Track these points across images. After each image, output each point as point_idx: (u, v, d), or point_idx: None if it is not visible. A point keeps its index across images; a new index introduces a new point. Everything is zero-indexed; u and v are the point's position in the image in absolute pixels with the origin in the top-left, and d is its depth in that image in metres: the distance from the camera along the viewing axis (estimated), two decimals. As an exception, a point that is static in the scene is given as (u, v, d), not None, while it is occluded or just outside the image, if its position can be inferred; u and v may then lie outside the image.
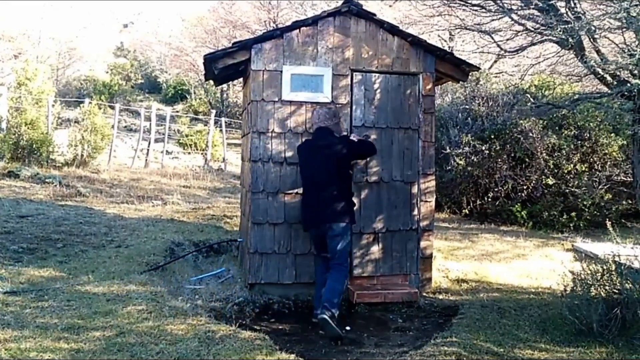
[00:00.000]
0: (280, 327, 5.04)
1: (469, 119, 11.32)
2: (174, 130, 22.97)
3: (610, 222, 5.55)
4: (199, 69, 24.57)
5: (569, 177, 10.15)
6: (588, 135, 10.44)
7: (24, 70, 15.95)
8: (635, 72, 6.40)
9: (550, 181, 10.08)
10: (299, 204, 5.59)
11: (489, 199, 10.63)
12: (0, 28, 25.96)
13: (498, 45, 8.60)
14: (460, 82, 6.85)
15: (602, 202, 9.94)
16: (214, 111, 22.74)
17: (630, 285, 4.67)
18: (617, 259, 4.91)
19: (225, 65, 5.81)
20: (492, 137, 10.61)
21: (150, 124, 19.47)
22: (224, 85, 26.07)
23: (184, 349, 4.19)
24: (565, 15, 6.83)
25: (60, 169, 14.17)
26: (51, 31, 28.94)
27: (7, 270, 5.96)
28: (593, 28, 6.45)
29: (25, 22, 27.60)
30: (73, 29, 30.66)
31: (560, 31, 6.57)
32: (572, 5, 6.71)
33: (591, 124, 10.43)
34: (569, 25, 6.40)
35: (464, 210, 10.93)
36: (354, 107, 5.92)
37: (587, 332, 4.64)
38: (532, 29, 7.48)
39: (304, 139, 5.70)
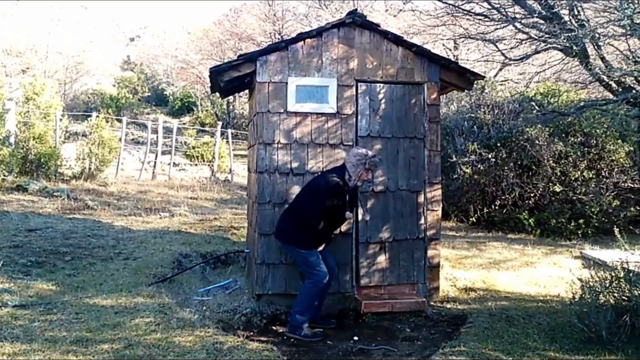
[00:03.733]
0: (286, 336, 5.04)
1: (475, 127, 11.32)
2: (181, 142, 23.07)
3: (618, 229, 5.55)
4: (205, 81, 24.70)
5: (576, 184, 10.12)
6: (595, 142, 10.41)
7: (32, 84, 16.06)
8: (640, 78, 6.41)
9: (558, 188, 10.05)
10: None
11: (496, 207, 10.60)
12: (8, 43, 26.19)
13: (502, 54, 8.61)
14: (466, 90, 6.86)
15: (609, 209, 9.90)
16: (220, 123, 22.85)
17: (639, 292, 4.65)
18: (625, 265, 4.90)
19: (231, 77, 5.85)
20: (499, 145, 10.60)
21: (157, 136, 19.56)
22: (230, 97, 26.18)
23: (192, 360, 4.20)
24: (569, 23, 6.84)
25: (68, 182, 14.25)
26: (58, 46, 29.13)
27: (15, 284, 5.99)
28: (597, 35, 6.46)
29: (33, 37, 27.83)
30: (80, 44, 30.83)
31: (564, 39, 6.59)
32: (576, 13, 6.73)
33: (598, 130, 10.41)
34: (573, 33, 6.41)
35: (471, 219, 10.90)
36: (359, 117, 5.94)
37: (596, 340, 4.62)
38: (536, 37, 7.50)
39: (309, 150, 5.77)
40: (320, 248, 5.26)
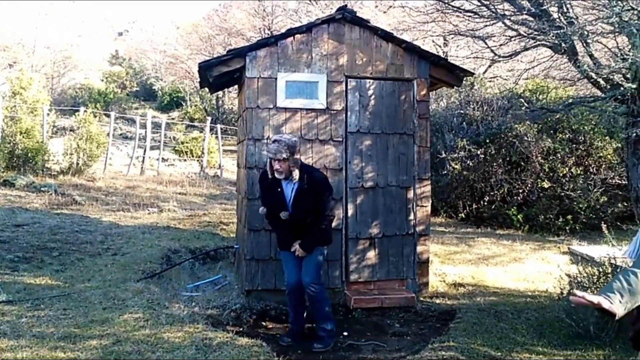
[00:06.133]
0: (277, 333, 5.03)
1: (464, 123, 11.35)
2: (170, 138, 22.96)
3: (605, 225, 5.59)
4: (194, 76, 24.59)
5: (564, 181, 10.18)
6: (583, 138, 10.48)
7: (19, 79, 15.92)
8: (628, 75, 6.43)
9: (546, 184, 10.12)
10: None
11: (485, 203, 10.65)
12: (-5, 37, 25.96)
13: (492, 51, 8.61)
14: (455, 87, 6.88)
15: (597, 205, 9.97)
16: (209, 118, 22.76)
17: (626, 287, 4.68)
18: (613, 261, 4.94)
19: (220, 72, 5.83)
20: (488, 141, 10.65)
21: (145, 131, 19.46)
22: (220, 92, 26.08)
23: (181, 356, 4.18)
24: (558, 20, 6.86)
25: (56, 177, 14.14)
26: (46, 40, 28.90)
27: (3, 280, 5.94)
28: (586, 33, 6.48)
29: (20, 31, 27.58)
30: (68, 38, 30.60)
31: (553, 36, 6.59)
32: (565, 10, 6.74)
33: (586, 127, 10.48)
34: (562, 31, 6.42)
35: (460, 215, 10.94)
36: (349, 113, 5.94)
37: (584, 335, 4.65)
38: (526, 34, 7.50)
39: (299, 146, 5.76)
40: (293, 250, 4.78)
